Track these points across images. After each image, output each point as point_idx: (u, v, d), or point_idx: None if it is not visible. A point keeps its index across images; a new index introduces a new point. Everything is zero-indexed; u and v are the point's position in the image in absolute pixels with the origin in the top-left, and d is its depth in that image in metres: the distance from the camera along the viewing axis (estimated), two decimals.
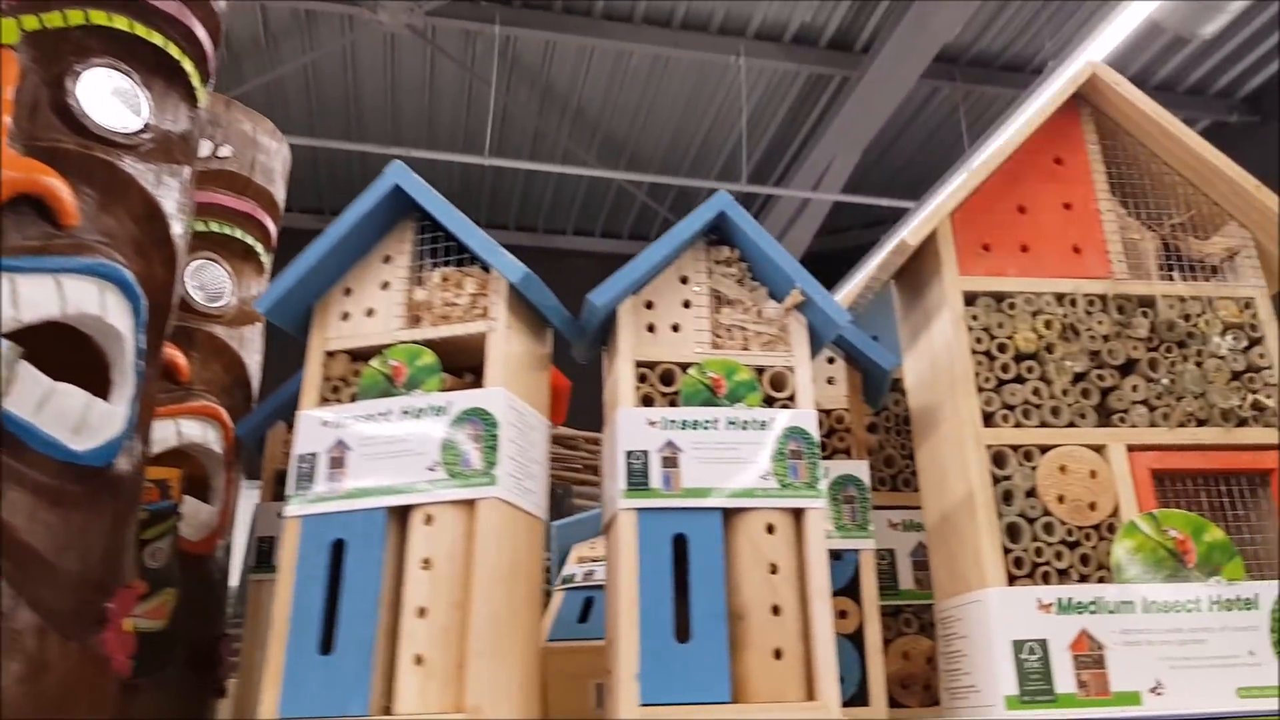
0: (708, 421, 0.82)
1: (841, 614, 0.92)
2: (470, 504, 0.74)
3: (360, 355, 0.81)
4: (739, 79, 4.86)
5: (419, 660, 0.70)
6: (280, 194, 1.28)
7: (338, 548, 0.74)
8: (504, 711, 0.72)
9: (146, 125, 0.84)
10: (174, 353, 1.04)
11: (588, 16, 4.62)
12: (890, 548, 1.07)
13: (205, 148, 1.10)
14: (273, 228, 1.27)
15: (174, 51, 0.87)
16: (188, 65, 0.88)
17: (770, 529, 0.81)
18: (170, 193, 0.84)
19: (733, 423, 0.82)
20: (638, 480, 0.79)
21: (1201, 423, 0.93)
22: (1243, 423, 0.93)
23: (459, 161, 4.96)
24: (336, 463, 0.76)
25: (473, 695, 0.69)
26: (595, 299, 0.81)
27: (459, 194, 5.91)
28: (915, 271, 1.01)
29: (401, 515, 0.75)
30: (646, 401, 0.83)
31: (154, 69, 0.86)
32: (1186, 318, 0.96)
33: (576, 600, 1.17)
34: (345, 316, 0.82)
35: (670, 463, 0.80)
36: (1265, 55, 4.96)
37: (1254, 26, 4.73)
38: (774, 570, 0.80)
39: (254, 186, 1.15)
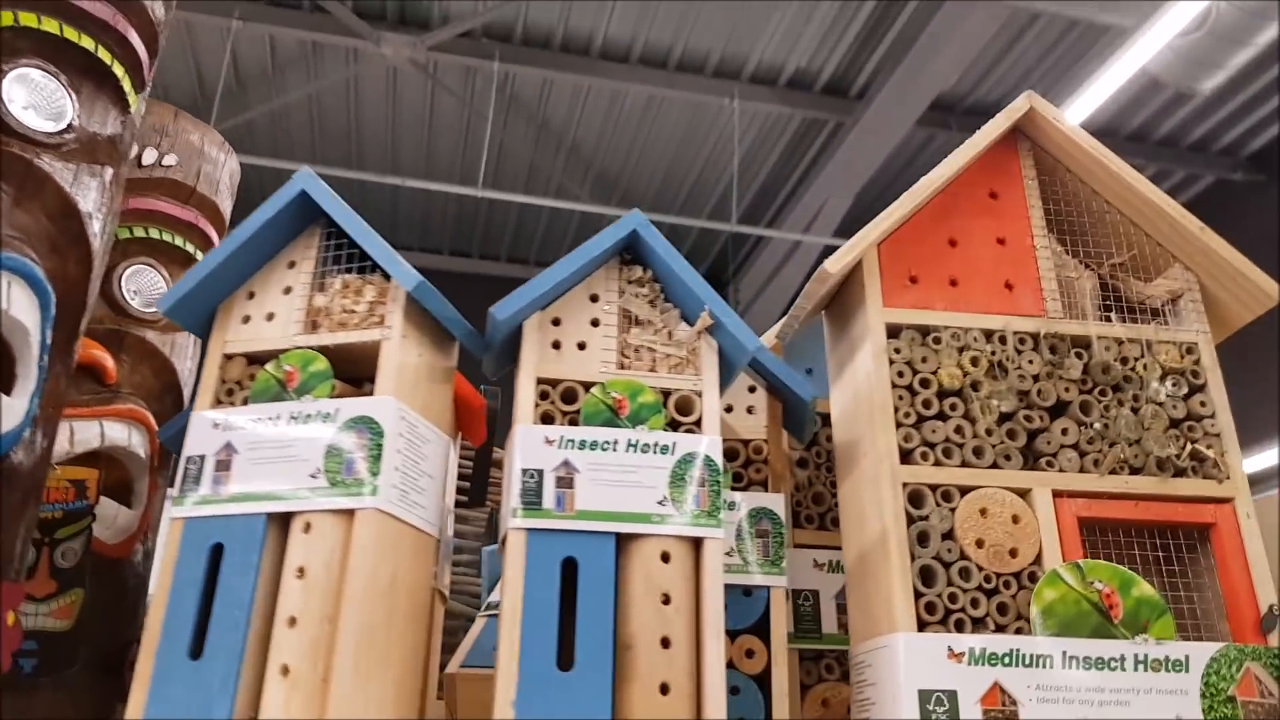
0: (607, 442, 0.78)
1: (749, 653, 0.87)
2: (350, 514, 0.70)
3: (257, 359, 0.78)
4: (732, 121, 4.88)
5: (285, 671, 0.67)
6: (225, 205, 1.27)
7: (217, 552, 0.71)
8: None
9: (70, 126, 0.83)
10: (102, 355, 1.01)
11: (585, 55, 4.65)
12: (814, 589, 1.02)
13: (150, 155, 1.09)
14: (216, 238, 1.25)
15: (104, 56, 0.86)
16: (118, 70, 0.87)
17: (665, 557, 0.77)
18: (89, 192, 0.82)
19: (633, 445, 0.79)
20: (530, 499, 0.75)
21: (1135, 471, 0.89)
22: (1180, 473, 0.89)
23: (455, 193, 4.97)
24: (222, 466, 0.73)
25: (336, 710, 0.65)
26: (497, 313, 0.78)
27: (454, 224, 5.92)
28: (843, 302, 0.98)
29: (284, 522, 0.72)
30: (547, 419, 0.79)
31: (83, 72, 0.86)
32: (1124, 361, 0.93)
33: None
34: (246, 320, 0.79)
35: (565, 483, 0.76)
36: (1270, 114, 4.97)
37: (1259, 85, 4.75)
38: (666, 601, 0.76)
39: (198, 196, 1.13)
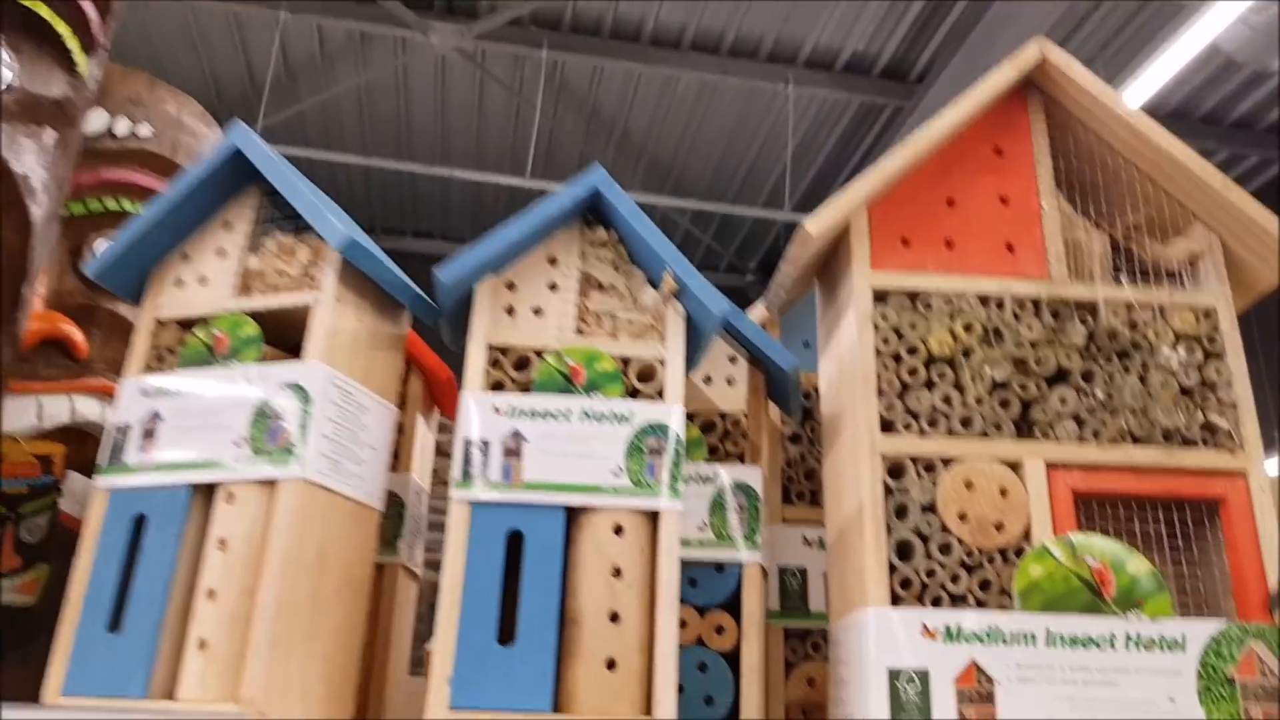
0: (560, 412, 0.75)
1: (719, 630, 0.84)
2: (274, 484, 0.68)
3: (189, 324, 0.76)
4: (787, 107, 4.79)
5: (203, 645, 0.65)
6: None
7: (139, 523, 0.70)
8: (294, 708, 0.66)
9: (9, 87, 0.82)
10: (71, 329, 1.01)
11: (636, 42, 4.61)
12: (803, 566, 0.98)
13: (123, 126, 1.09)
14: None
15: (44, 13, 0.84)
16: (61, 28, 0.86)
17: (618, 530, 0.74)
18: (26, 154, 0.81)
19: (587, 414, 0.75)
20: (474, 470, 0.73)
21: (1139, 441, 0.82)
22: (1188, 444, 0.83)
23: (506, 184, 4.98)
24: (148, 434, 0.72)
25: (251, 686, 0.63)
26: (442, 275, 0.76)
27: (505, 214, 5.94)
28: (833, 268, 0.93)
29: (209, 492, 0.70)
30: (497, 387, 0.77)
31: (22, 31, 0.84)
32: (1133, 326, 0.86)
33: None
34: (179, 283, 0.77)
35: (513, 453, 0.74)
36: None
37: None
38: (617, 574, 0.72)
39: (175, 168, 1.13)
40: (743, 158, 5.28)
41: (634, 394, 0.78)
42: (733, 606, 0.85)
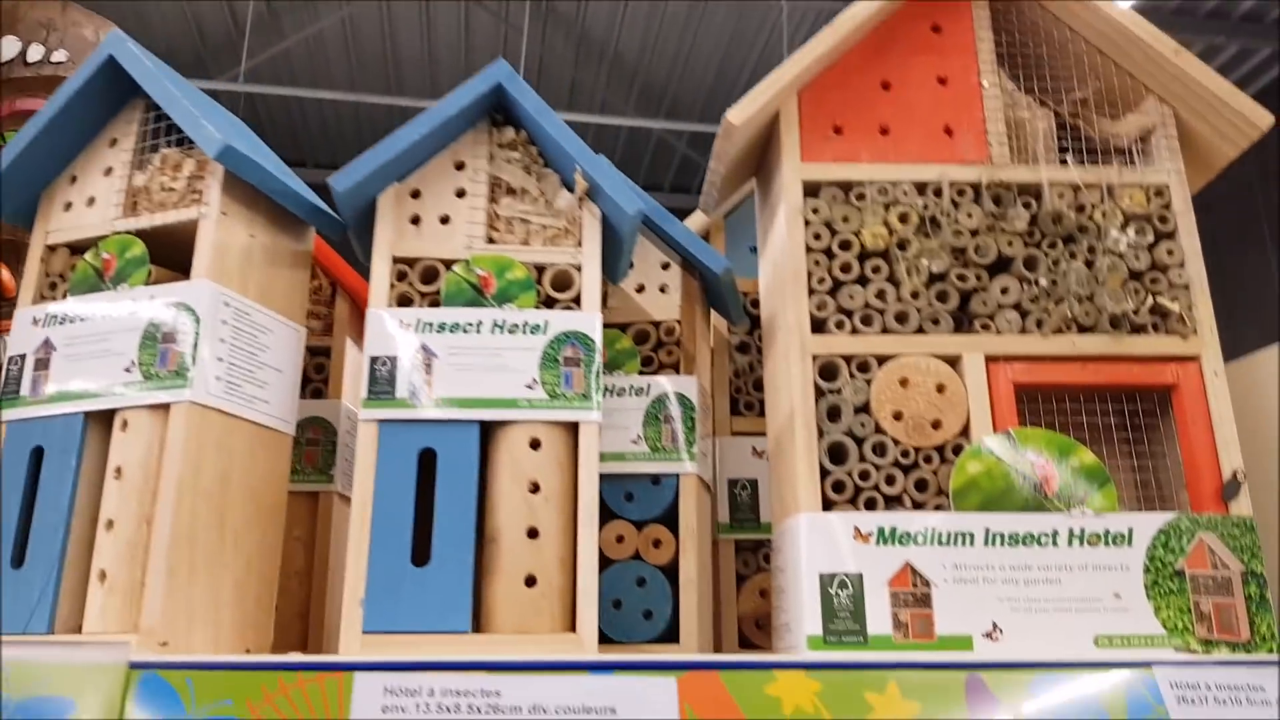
0: (469, 324, 0.72)
1: (655, 543, 0.82)
2: (167, 409, 0.66)
3: (79, 248, 0.73)
4: (781, 20, 4.65)
5: (103, 577, 0.63)
6: None
7: (38, 456, 0.68)
8: (201, 638, 0.64)
9: None
10: None
11: None
12: (753, 478, 0.96)
13: (36, 52, 1.04)
14: None
15: None
16: None
17: (535, 444, 0.71)
18: None
19: (499, 325, 0.72)
20: (382, 388, 0.70)
21: (1085, 330, 0.79)
22: (1138, 330, 0.79)
23: None
24: (41, 365, 0.69)
25: (150, 616, 0.61)
26: (336, 184, 0.72)
27: None
28: (767, 164, 0.89)
29: (105, 421, 0.68)
30: (404, 301, 0.74)
31: None
32: (1080, 209, 0.82)
33: None
34: (68, 206, 0.74)
35: (422, 370, 0.71)
36: None
37: None
38: (535, 489, 0.70)
39: None
40: (737, 77, 5.15)
41: (550, 303, 0.75)
42: (670, 520, 0.82)
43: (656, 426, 0.84)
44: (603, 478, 0.82)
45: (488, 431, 0.72)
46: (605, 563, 0.82)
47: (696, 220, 1.04)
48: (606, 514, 0.83)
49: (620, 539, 0.82)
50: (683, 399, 0.85)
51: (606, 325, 0.88)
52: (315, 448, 0.90)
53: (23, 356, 0.69)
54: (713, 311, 1.02)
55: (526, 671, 0.56)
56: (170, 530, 0.62)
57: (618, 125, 5.11)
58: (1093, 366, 0.78)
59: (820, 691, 0.58)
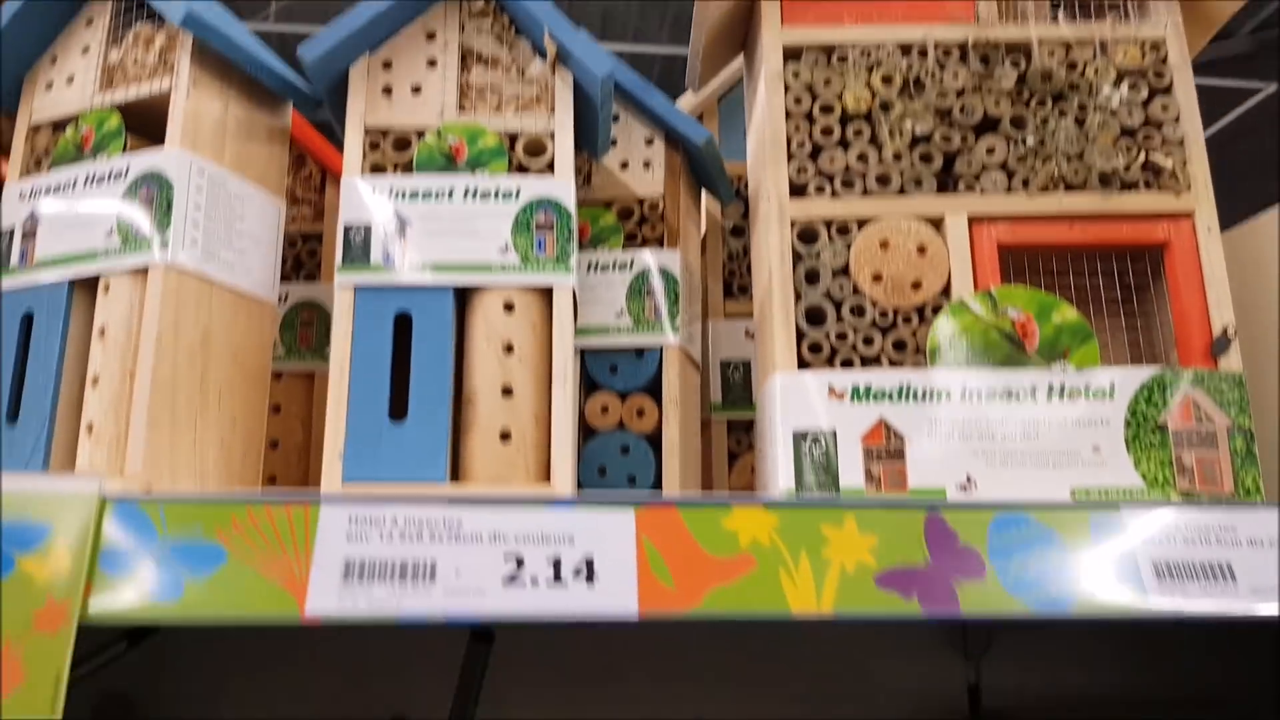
0: (442, 191, 0.72)
1: (639, 412, 0.82)
2: (145, 272, 0.68)
3: (60, 125, 0.75)
4: None
5: (90, 429, 0.66)
6: None
7: (28, 321, 0.70)
8: (185, 486, 0.67)
9: None
10: None
11: None
12: (745, 359, 0.96)
13: None
14: None
15: None
16: None
17: (509, 307, 0.72)
18: None
19: (471, 192, 0.73)
20: (355, 254, 0.71)
21: (1073, 188, 0.77)
22: (1129, 187, 0.77)
23: None
24: (28, 236, 0.71)
25: (133, 464, 0.64)
26: (305, 53, 0.72)
27: None
28: (753, 36, 0.87)
29: (91, 286, 0.70)
30: (377, 170, 0.74)
31: None
32: (1072, 66, 0.79)
33: None
34: (49, 86, 0.76)
35: (396, 237, 0.72)
36: None
37: None
38: (509, 350, 0.71)
39: None
40: None
41: (523, 170, 0.75)
42: (654, 391, 0.83)
43: (640, 300, 0.84)
44: (587, 351, 0.83)
45: (464, 297, 0.73)
46: (590, 433, 0.83)
47: (687, 101, 1.03)
48: (592, 386, 0.84)
49: (605, 409, 0.83)
50: (665, 273, 0.85)
51: (591, 202, 0.88)
52: (310, 329, 0.92)
53: (12, 230, 0.72)
54: (708, 197, 1.01)
55: (488, 505, 0.57)
56: (150, 384, 0.65)
57: (652, 54, 5.03)
58: (1081, 225, 0.76)
59: (777, 526, 0.58)
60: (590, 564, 0.56)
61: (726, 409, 0.95)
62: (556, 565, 0.56)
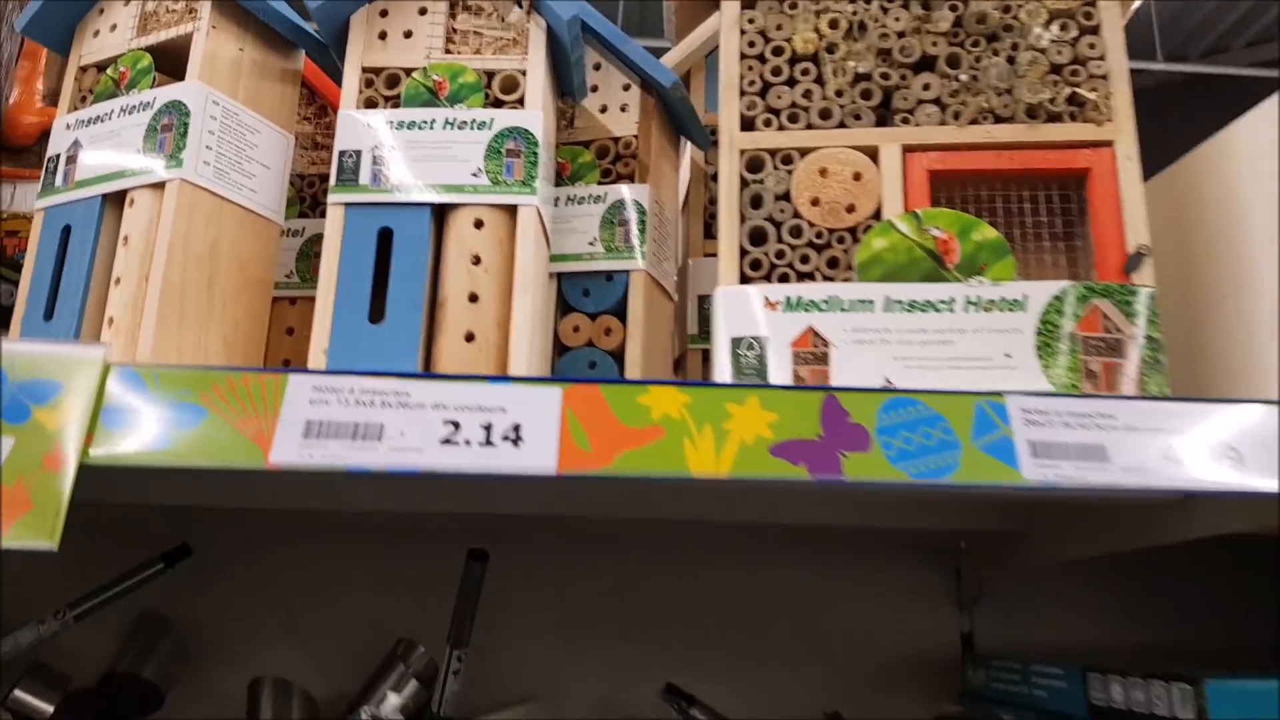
0: (424, 122, 0.82)
1: (607, 331, 0.91)
2: (164, 187, 0.78)
3: (103, 67, 0.86)
4: None
5: (110, 322, 0.77)
6: None
7: (66, 232, 0.82)
8: None
9: None
10: None
11: None
12: None
13: None
14: None
15: None
16: None
17: (478, 224, 0.81)
18: None
19: (450, 123, 0.82)
20: (347, 177, 0.81)
21: (1002, 120, 0.83)
22: (1054, 118, 0.82)
23: None
24: (71, 160, 0.83)
25: (144, 351, 0.74)
26: (312, 3, 0.83)
27: None
28: None
29: (119, 200, 0.81)
30: (370, 105, 0.84)
31: None
32: (1006, 9, 0.85)
33: None
34: (96, 34, 0.87)
35: (381, 161, 0.81)
36: None
37: None
38: (477, 262, 0.80)
39: None
40: None
41: (498, 104, 0.84)
42: (621, 312, 0.91)
43: (611, 230, 0.93)
44: (562, 276, 0.92)
45: (442, 216, 0.82)
46: (563, 349, 0.92)
47: (675, 57, 1.11)
48: (565, 308, 0.93)
49: (576, 329, 0.92)
50: (637, 205, 0.93)
51: (571, 142, 0.97)
52: (320, 259, 1.02)
53: (58, 156, 0.83)
54: (689, 145, 1.09)
55: (434, 379, 0.66)
56: (162, 285, 0.75)
57: None
58: (1007, 154, 0.82)
59: (688, 403, 0.66)
60: (518, 429, 0.65)
61: (703, 340, 1.03)
62: (488, 430, 0.65)
